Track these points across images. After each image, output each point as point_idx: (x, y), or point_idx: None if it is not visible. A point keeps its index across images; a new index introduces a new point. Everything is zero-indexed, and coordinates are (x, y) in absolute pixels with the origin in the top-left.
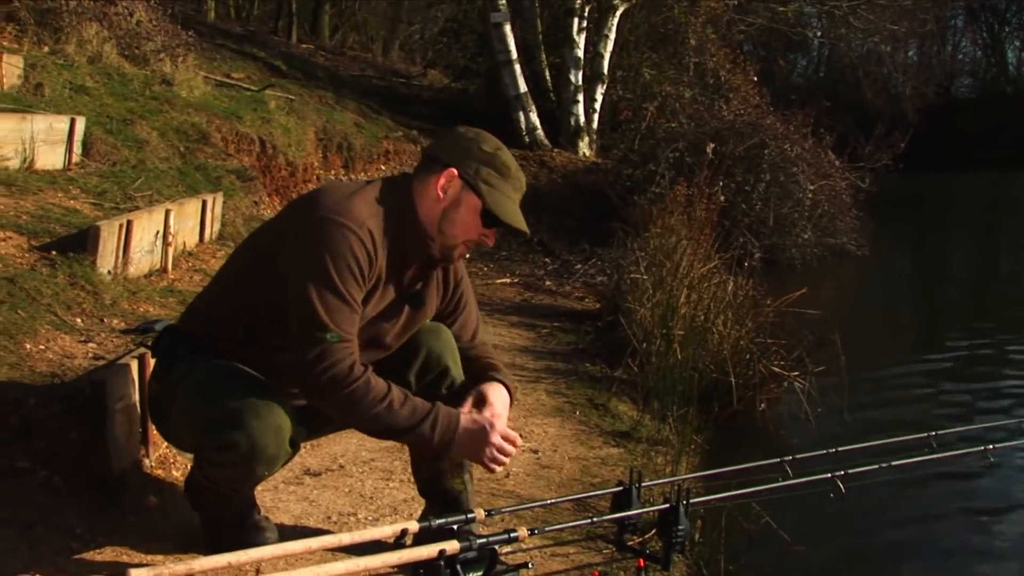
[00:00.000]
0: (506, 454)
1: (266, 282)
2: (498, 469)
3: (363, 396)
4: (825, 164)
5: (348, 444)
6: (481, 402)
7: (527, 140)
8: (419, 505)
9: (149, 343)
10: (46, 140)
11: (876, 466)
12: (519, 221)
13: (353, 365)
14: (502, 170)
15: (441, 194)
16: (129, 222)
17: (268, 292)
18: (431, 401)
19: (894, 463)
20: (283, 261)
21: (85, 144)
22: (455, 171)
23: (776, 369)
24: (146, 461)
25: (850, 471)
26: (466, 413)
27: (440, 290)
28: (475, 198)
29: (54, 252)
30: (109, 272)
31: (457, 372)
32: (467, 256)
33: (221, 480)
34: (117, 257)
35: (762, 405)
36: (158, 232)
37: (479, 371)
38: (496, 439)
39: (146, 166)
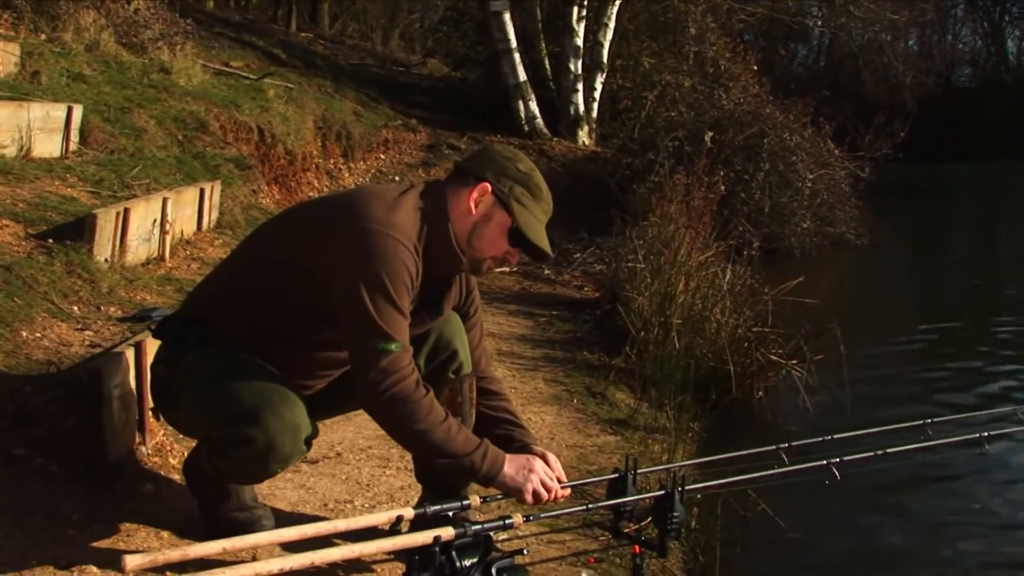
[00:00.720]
0: (548, 491)
1: (292, 284)
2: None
3: (426, 416)
4: (824, 153)
5: (345, 432)
6: None
7: (526, 129)
8: (416, 492)
9: (152, 328)
10: (43, 128)
11: (871, 453)
12: (545, 244)
13: (419, 381)
14: (535, 191)
15: (473, 207)
16: (126, 210)
17: (292, 292)
18: (439, 384)
19: (889, 450)
20: (330, 271)
21: (82, 132)
22: (488, 186)
23: (774, 357)
24: (143, 449)
25: (845, 458)
26: (514, 457)
27: (457, 295)
28: (506, 215)
29: (51, 240)
30: (106, 260)
31: (465, 356)
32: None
33: (231, 473)
34: (114, 245)
35: (760, 393)
36: (155, 220)
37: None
38: (540, 471)
39: (144, 154)
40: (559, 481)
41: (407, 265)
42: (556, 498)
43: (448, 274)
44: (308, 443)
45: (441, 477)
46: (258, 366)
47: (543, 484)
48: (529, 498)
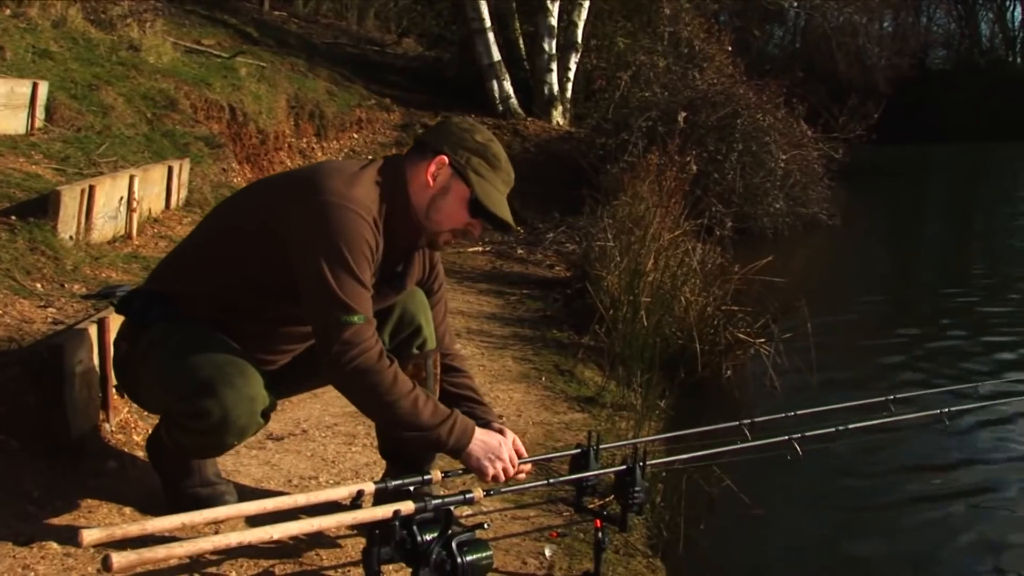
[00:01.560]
0: (508, 472)
1: (254, 257)
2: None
3: (391, 387)
4: (797, 134)
5: (312, 409)
6: None
7: (500, 109)
8: (381, 469)
9: (115, 303)
10: (7, 104)
11: (833, 429)
12: (506, 214)
13: (383, 353)
14: (492, 161)
15: (431, 180)
16: (91, 187)
17: (254, 266)
18: (403, 359)
19: (851, 426)
20: (290, 244)
21: (48, 109)
22: (446, 158)
23: (742, 336)
24: (106, 426)
25: (807, 434)
26: (483, 431)
27: (420, 271)
28: (464, 187)
29: (14, 217)
30: (71, 237)
31: (429, 332)
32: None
33: (189, 446)
34: (79, 222)
35: (728, 371)
36: (122, 198)
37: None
38: (506, 454)
39: (111, 132)
40: (520, 458)
41: (366, 238)
42: (516, 477)
43: (410, 247)
44: (266, 416)
45: (405, 452)
46: (218, 340)
47: (505, 468)
48: (490, 480)
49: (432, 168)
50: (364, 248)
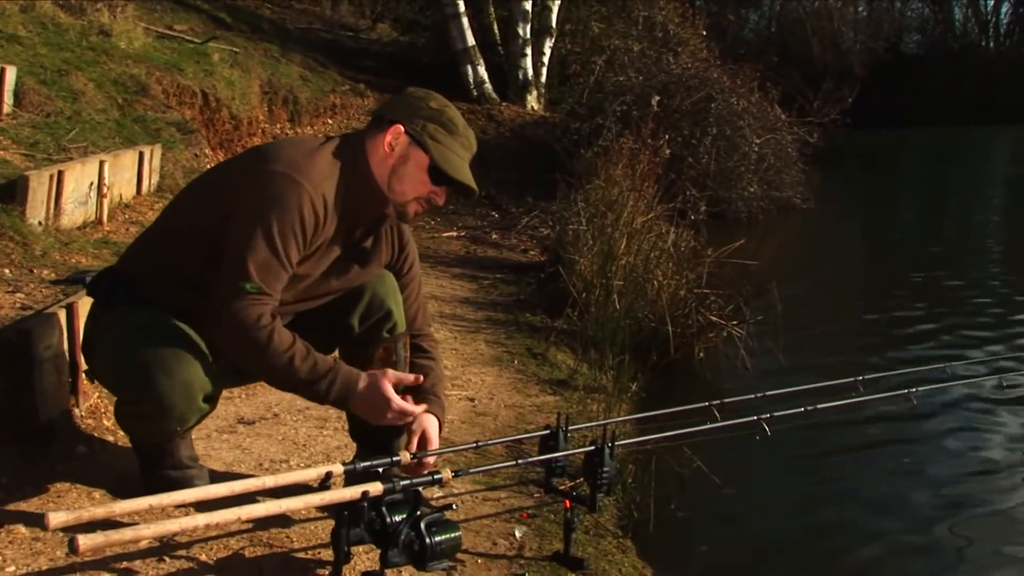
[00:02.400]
0: (404, 421)
1: (211, 227)
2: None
3: (266, 345)
4: (772, 118)
5: (283, 393)
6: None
7: (475, 94)
8: (352, 452)
9: (88, 282)
10: None
11: (801, 409)
12: (468, 178)
13: (262, 315)
14: (449, 127)
15: (388, 150)
16: (60, 172)
17: (214, 244)
18: (373, 344)
19: (820, 406)
20: (232, 206)
21: (16, 95)
22: (401, 127)
23: (714, 318)
24: (76, 411)
25: (775, 414)
26: (366, 376)
27: (388, 249)
28: (422, 154)
29: None
30: (40, 223)
31: (399, 316)
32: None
33: (135, 432)
34: (48, 208)
35: (700, 354)
36: (92, 183)
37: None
38: (392, 414)
39: (82, 117)
40: (428, 447)
41: (303, 212)
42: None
43: (376, 221)
44: (209, 401)
45: (375, 435)
46: (165, 325)
47: (394, 418)
48: (390, 423)
49: (388, 138)
50: (296, 222)
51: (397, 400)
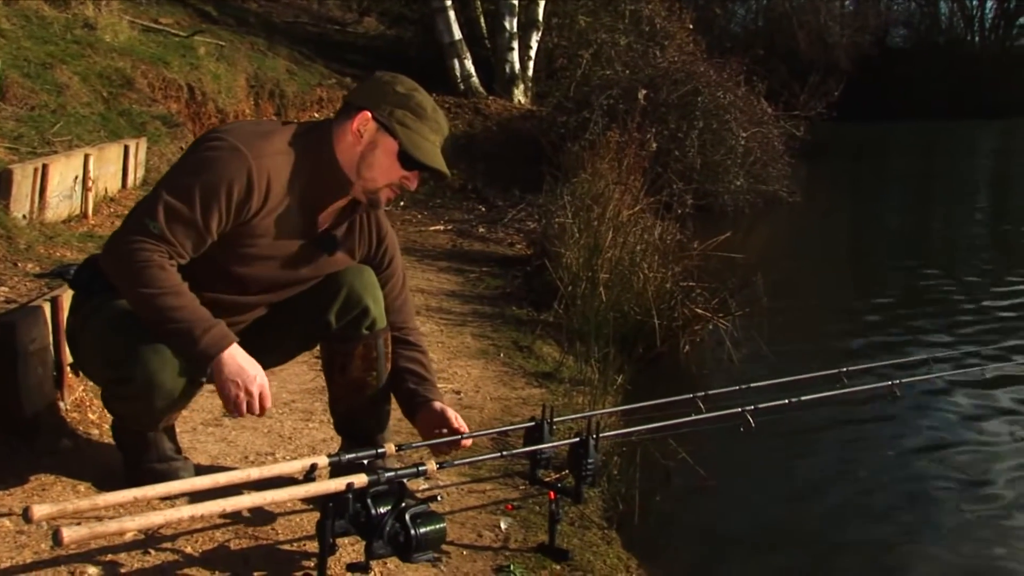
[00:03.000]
0: (250, 408)
1: None
2: (236, 415)
3: (158, 275)
4: (758, 112)
5: (269, 386)
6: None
7: (462, 87)
8: (338, 445)
9: (70, 276)
10: None
11: (785, 401)
12: (438, 162)
13: (155, 253)
14: (418, 111)
15: (356, 137)
16: (45, 166)
17: None
18: (353, 340)
19: (803, 398)
20: None
21: (0, 88)
22: (368, 113)
23: (700, 311)
24: (61, 404)
25: (759, 406)
26: (241, 351)
27: (364, 241)
28: (391, 140)
29: None
30: (24, 216)
31: (378, 312)
32: (399, 203)
33: (124, 415)
34: (32, 201)
35: (686, 346)
36: (77, 177)
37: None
38: (253, 388)
39: (66, 111)
40: (458, 432)
41: (233, 177)
42: (257, 412)
43: (343, 205)
44: (195, 381)
45: (360, 428)
46: None
47: (250, 402)
48: (231, 409)
49: (356, 124)
50: (222, 185)
51: (262, 391)
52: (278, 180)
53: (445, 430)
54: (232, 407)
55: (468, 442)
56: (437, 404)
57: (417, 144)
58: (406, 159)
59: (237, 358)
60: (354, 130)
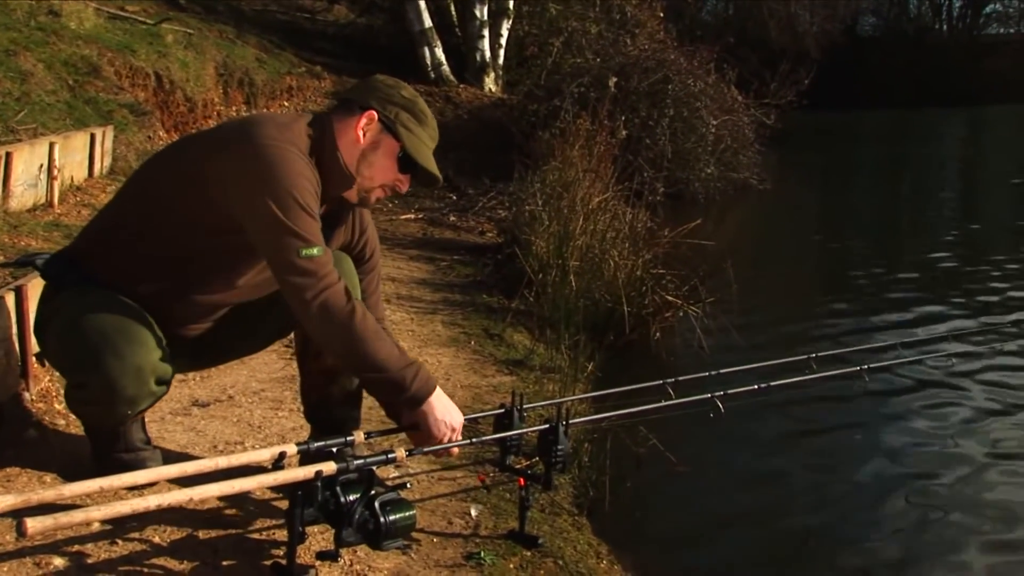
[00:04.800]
0: (453, 439)
1: (176, 217)
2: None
3: (361, 322)
4: (728, 100)
5: (238, 375)
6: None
7: (432, 76)
8: (308, 434)
9: (39, 266)
10: None
11: (755, 387)
12: (434, 167)
13: (347, 288)
14: (420, 117)
15: (360, 135)
16: (8, 154)
17: (172, 225)
18: None
19: (772, 384)
20: (233, 198)
21: None
22: (375, 113)
23: (670, 298)
24: (26, 395)
25: (729, 391)
26: (440, 391)
27: (348, 231)
28: (393, 141)
29: None
30: None
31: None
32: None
33: (85, 416)
34: None
35: (656, 333)
36: (42, 165)
37: None
38: (458, 426)
39: (31, 99)
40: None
41: (308, 174)
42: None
43: (338, 203)
44: (162, 383)
45: (332, 416)
46: (120, 306)
47: (452, 437)
48: (433, 443)
49: (362, 123)
50: (308, 184)
51: (460, 423)
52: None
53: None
54: (436, 443)
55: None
56: None
57: (418, 148)
58: (405, 161)
59: (443, 399)
60: (358, 128)
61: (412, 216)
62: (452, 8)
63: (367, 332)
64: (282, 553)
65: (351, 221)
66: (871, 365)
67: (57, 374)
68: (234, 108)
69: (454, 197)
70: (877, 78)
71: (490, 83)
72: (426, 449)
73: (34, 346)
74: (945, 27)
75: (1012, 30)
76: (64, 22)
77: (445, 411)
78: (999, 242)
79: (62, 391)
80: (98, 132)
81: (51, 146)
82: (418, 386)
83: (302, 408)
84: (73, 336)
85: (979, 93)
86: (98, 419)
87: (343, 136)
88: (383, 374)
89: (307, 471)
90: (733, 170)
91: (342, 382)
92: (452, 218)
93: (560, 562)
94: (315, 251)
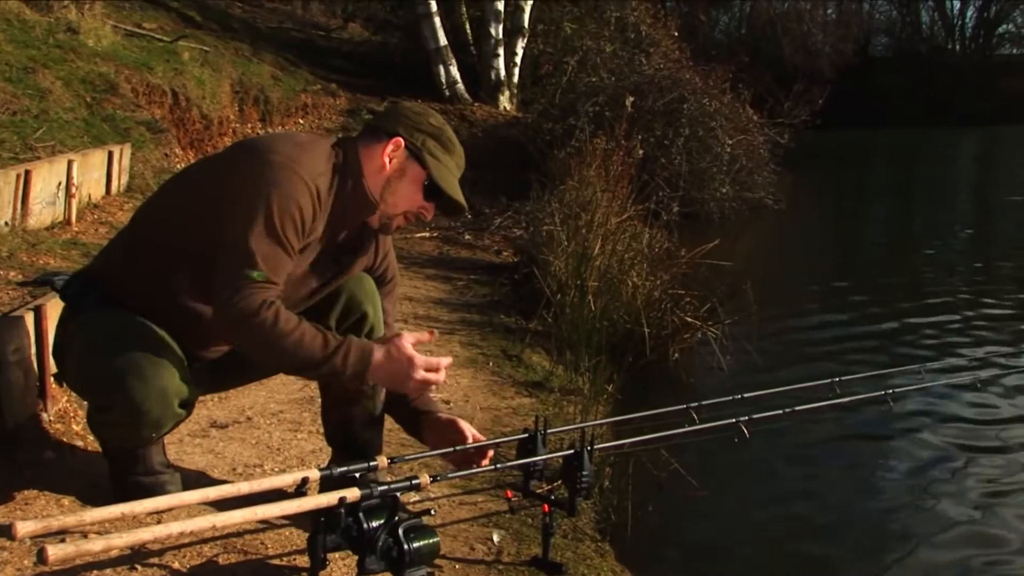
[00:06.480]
0: (433, 381)
1: (193, 233)
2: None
3: (272, 327)
4: (743, 119)
5: (256, 397)
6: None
7: (447, 94)
8: (327, 456)
9: (58, 287)
10: None
11: (779, 411)
12: (460, 196)
13: (264, 300)
14: (448, 145)
15: (387, 161)
16: (27, 172)
17: (192, 244)
18: None
19: (796, 408)
20: (228, 198)
21: None
22: (402, 140)
23: (689, 319)
24: (44, 415)
25: (754, 416)
26: (382, 346)
27: (370, 255)
28: (420, 169)
29: None
30: (6, 224)
31: (376, 319)
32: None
33: (108, 439)
34: (15, 208)
35: (675, 355)
36: (60, 183)
37: None
38: (419, 373)
39: (49, 116)
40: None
41: (301, 203)
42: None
43: (359, 229)
44: (186, 407)
45: (354, 438)
46: (138, 328)
47: (425, 381)
48: (418, 388)
49: (388, 149)
50: (295, 212)
51: (421, 356)
52: (324, 197)
53: (460, 445)
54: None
55: (490, 453)
56: (443, 415)
57: (444, 176)
58: (430, 189)
59: (386, 355)
60: (386, 154)
61: (427, 235)
62: (467, 26)
63: (282, 335)
64: None
65: (374, 247)
66: (896, 390)
67: (75, 395)
68: (249, 125)
69: (469, 216)
70: (890, 98)
71: (505, 101)
72: (450, 475)
73: (52, 366)
74: (958, 47)
75: None
76: (82, 39)
77: (395, 364)
78: (1018, 263)
79: (80, 412)
80: (116, 150)
81: (69, 164)
82: (352, 367)
83: (323, 430)
84: (96, 358)
85: (992, 113)
86: (121, 441)
87: (369, 163)
88: (318, 369)
89: (330, 498)
90: (748, 190)
91: (364, 403)
92: (467, 237)
93: None
94: (255, 274)
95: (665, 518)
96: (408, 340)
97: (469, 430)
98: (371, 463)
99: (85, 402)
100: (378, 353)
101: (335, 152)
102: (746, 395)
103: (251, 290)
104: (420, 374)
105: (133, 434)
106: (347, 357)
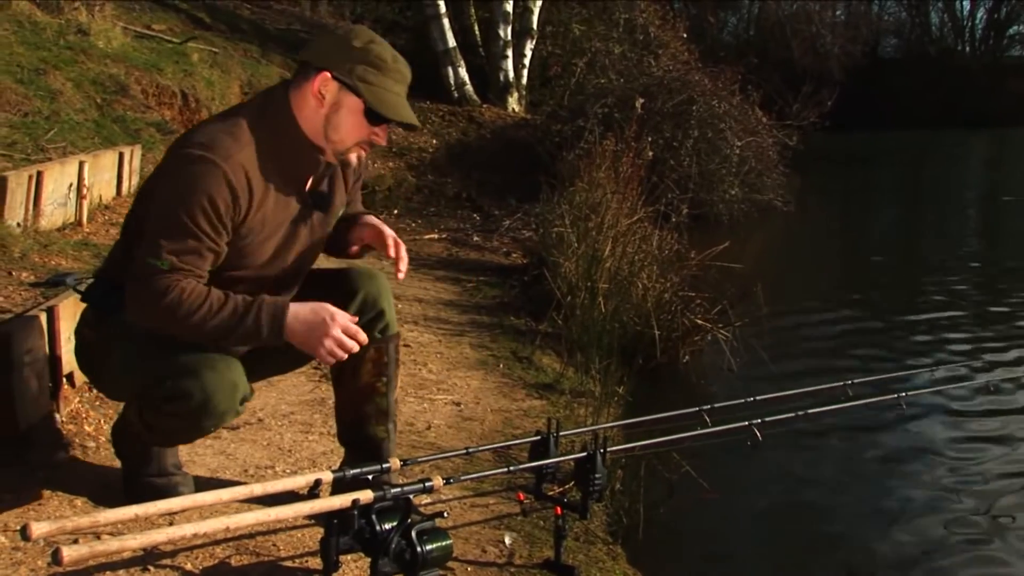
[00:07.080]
0: (346, 348)
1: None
2: (332, 360)
3: (179, 305)
4: (752, 121)
5: (268, 398)
6: (365, 227)
7: (456, 95)
8: (338, 458)
9: (80, 291)
10: None
11: (792, 414)
12: (407, 115)
13: (169, 285)
14: (378, 64)
15: (318, 100)
16: (39, 173)
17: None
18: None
19: (810, 411)
20: (152, 197)
21: None
22: (328, 74)
23: (699, 321)
24: (57, 416)
25: (766, 419)
26: (305, 304)
27: (343, 192)
28: (355, 99)
29: None
30: (18, 224)
31: (391, 316)
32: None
33: (164, 430)
34: (27, 209)
35: (685, 357)
36: (71, 184)
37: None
38: (336, 332)
39: (60, 117)
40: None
41: (213, 190)
42: (355, 347)
43: (317, 170)
44: (243, 403)
45: (367, 437)
46: None
47: (339, 343)
48: (326, 359)
49: (316, 87)
50: (204, 201)
51: (340, 312)
52: (255, 172)
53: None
54: (325, 360)
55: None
56: (370, 219)
57: (382, 99)
58: (373, 116)
59: (298, 320)
60: (315, 92)
61: (436, 236)
62: (476, 28)
63: (194, 310)
64: None
65: (342, 177)
66: (908, 393)
67: (87, 396)
68: None
69: (477, 217)
70: (899, 99)
71: (513, 103)
72: (464, 477)
73: (65, 368)
74: (968, 48)
75: None
76: (92, 41)
77: (312, 317)
78: None
79: (92, 412)
80: (126, 151)
81: (80, 165)
82: (268, 326)
83: (336, 429)
84: (161, 352)
85: (1003, 114)
86: (180, 434)
87: (302, 107)
88: (235, 332)
89: (343, 500)
90: (757, 192)
91: (377, 401)
92: (476, 238)
93: None
94: (159, 263)
95: (677, 521)
96: (333, 310)
97: (388, 231)
98: (384, 465)
99: (117, 398)
100: (296, 307)
101: (263, 112)
102: (758, 397)
103: (156, 278)
104: (337, 332)
105: (195, 425)
106: (259, 317)
